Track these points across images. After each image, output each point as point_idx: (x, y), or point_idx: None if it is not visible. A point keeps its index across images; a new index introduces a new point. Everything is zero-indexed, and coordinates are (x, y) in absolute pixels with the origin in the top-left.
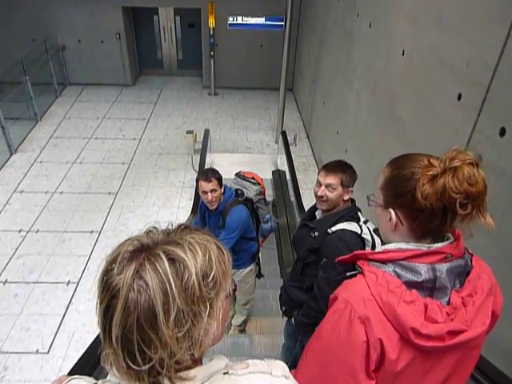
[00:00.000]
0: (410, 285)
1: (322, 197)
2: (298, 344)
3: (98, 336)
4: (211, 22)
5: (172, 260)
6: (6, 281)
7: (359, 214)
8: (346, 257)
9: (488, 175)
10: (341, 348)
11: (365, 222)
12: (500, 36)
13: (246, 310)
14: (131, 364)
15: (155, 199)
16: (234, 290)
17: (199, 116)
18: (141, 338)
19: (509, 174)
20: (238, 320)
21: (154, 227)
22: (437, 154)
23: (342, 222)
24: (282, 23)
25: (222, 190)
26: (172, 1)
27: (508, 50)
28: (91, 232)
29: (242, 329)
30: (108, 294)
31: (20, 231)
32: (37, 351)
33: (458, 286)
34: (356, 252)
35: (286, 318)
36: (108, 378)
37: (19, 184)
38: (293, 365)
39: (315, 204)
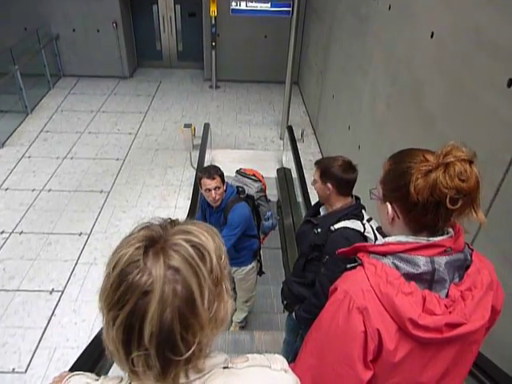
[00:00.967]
0: (408, 277)
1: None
2: (298, 339)
3: (99, 334)
4: (213, 10)
5: (193, 245)
6: None
7: (363, 212)
8: (346, 249)
9: None
10: (339, 338)
11: (368, 221)
12: None
13: (247, 307)
14: (172, 356)
15: (150, 198)
16: (233, 288)
17: (200, 110)
18: (182, 325)
19: None
20: (239, 317)
21: (149, 222)
22: (478, 152)
23: (345, 219)
24: (289, 9)
25: (225, 187)
26: None
27: None
28: (80, 234)
29: (243, 325)
30: (136, 293)
31: (2, 232)
32: (13, 370)
33: (458, 279)
34: (356, 244)
35: (286, 314)
36: (110, 375)
37: (4, 181)
38: (293, 359)
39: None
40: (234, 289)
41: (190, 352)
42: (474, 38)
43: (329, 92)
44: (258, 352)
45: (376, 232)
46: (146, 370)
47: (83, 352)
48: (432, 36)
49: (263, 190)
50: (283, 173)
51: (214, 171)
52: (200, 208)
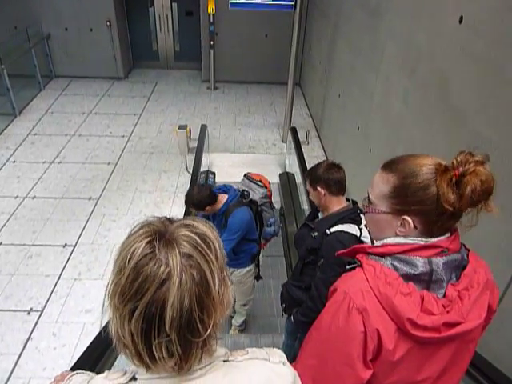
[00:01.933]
0: (407, 277)
1: None
2: (297, 342)
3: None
4: (211, 7)
5: (198, 235)
6: None
7: (362, 216)
8: (345, 250)
9: None
10: (339, 338)
11: (366, 226)
12: None
13: (245, 311)
14: (192, 338)
15: (143, 206)
16: None
17: (197, 112)
18: (200, 308)
19: None
20: (237, 320)
21: (147, 220)
22: None
23: (341, 223)
24: (292, 3)
25: (226, 196)
26: None
27: None
28: (64, 246)
29: (242, 329)
30: (155, 282)
31: None
32: None
33: (455, 279)
34: (355, 246)
35: (285, 317)
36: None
37: None
38: (292, 362)
39: None
40: None
41: (208, 333)
42: None
43: (334, 91)
44: None
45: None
46: (167, 358)
47: (85, 351)
48: (461, 21)
49: (268, 196)
50: (286, 178)
51: (189, 202)
52: None
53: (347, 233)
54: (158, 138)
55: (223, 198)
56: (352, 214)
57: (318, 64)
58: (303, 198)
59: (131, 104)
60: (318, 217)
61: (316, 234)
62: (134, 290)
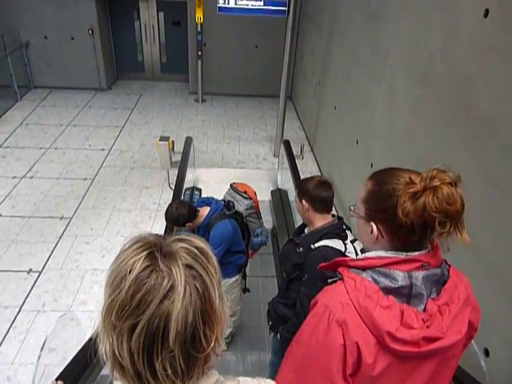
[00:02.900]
0: (387, 291)
1: None
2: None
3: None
4: (198, 16)
5: (197, 248)
6: None
7: (348, 232)
8: (327, 264)
9: None
10: (319, 351)
11: (352, 242)
12: None
13: (233, 322)
14: (195, 353)
15: (120, 226)
16: None
17: (183, 125)
18: (203, 320)
19: None
20: (224, 332)
21: (141, 236)
22: None
23: (326, 238)
24: (285, 9)
25: (208, 209)
26: None
27: None
28: (29, 272)
29: (228, 341)
30: (158, 294)
31: None
32: None
33: (435, 294)
34: (337, 259)
35: (272, 334)
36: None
37: None
38: None
39: None
40: None
41: (210, 348)
42: None
43: (329, 103)
44: (245, 373)
45: (359, 253)
46: (171, 375)
47: (70, 361)
48: (486, 15)
49: (254, 207)
50: (279, 195)
51: (168, 220)
52: None
53: (332, 248)
54: (140, 151)
55: (205, 211)
56: (337, 230)
57: (310, 75)
58: (297, 217)
59: (113, 116)
60: (304, 233)
61: (301, 249)
62: (135, 303)
